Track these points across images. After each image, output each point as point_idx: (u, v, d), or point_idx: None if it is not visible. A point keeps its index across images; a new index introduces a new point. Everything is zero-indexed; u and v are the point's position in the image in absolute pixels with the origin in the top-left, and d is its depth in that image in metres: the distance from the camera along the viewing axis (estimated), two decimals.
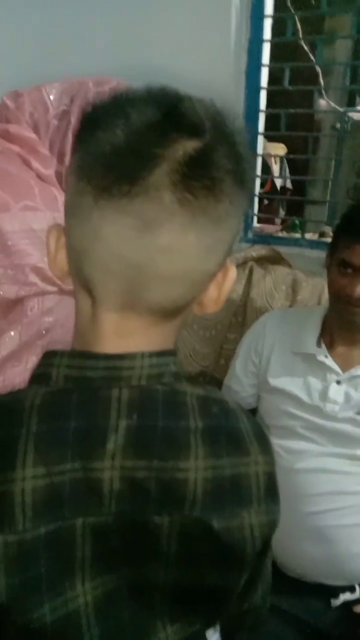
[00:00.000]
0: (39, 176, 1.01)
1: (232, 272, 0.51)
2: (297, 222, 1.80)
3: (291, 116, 1.68)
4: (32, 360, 0.91)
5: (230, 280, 0.51)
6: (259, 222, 1.85)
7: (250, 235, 1.77)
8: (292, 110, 1.67)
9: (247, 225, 1.76)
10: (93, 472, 0.44)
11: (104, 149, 0.42)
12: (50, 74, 1.48)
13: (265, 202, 2.50)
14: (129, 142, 0.41)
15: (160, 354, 0.49)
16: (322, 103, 2.47)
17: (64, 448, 0.44)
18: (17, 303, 0.91)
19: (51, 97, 1.07)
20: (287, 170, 2.99)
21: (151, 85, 0.46)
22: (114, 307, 0.46)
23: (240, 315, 1.53)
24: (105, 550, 0.45)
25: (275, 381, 1.23)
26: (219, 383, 1.39)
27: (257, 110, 1.65)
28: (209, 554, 0.47)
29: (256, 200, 1.82)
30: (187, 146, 0.42)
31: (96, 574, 0.45)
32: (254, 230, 1.79)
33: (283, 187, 2.99)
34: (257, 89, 1.62)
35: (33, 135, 1.00)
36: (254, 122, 1.65)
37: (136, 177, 0.41)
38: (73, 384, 0.46)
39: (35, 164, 0.99)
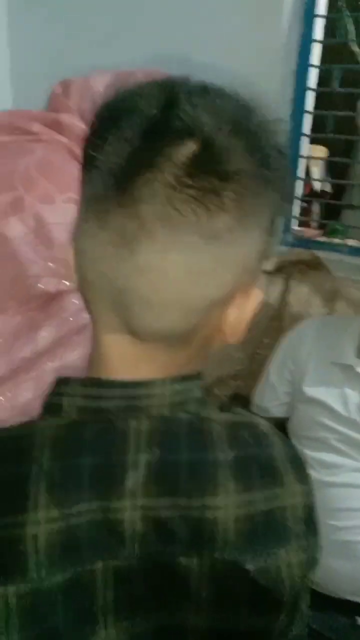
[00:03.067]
0: None
1: (256, 297, 0.45)
2: (338, 227, 1.76)
3: (333, 119, 1.64)
4: (67, 357, 0.90)
5: (251, 306, 0.45)
6: (299, 225, 1.82)
7: (289, 238, 1.74)
8: (339, 113, 1.63)
9: (287, 228, 1.73)
10: (112, 513, 0.41)
11: (94, 158, 0.39)
12: (102, 65, 1.48)
13: (304, 205, 2.45)
14: (117, 151, 0.38)
15: (183, 379, 0.44)
16: None
17: (80, 487, 0.41)
18: (56, 297, 0.90)
19: (99, 87, 1.06)
20: (328, 173, 2.93)
21: (163, 78, 0.42)
22: (112, 330, 0.43)
23: (276, 319, 1.50)
24: (129, 595, 0.41)
25: (311, 391, 1.20)
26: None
27: (303, 112, 1.61)
28: (243, 597, 0.43)
29: (296, 203, 1.79)
30: (179, 151, 0.37)
31: (120, 620, 0.41)
32: (294, 233, 1.76)
33: (323, 191, 2.93)
34: (305, 89, 1.59)
35: (83, 125, 1.00)
36: (300, 124, 1.62)
37: (117, 187, 0.38)
38: (87, 416, 0.43)
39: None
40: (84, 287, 0.44)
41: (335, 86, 1.61)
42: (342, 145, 2.56)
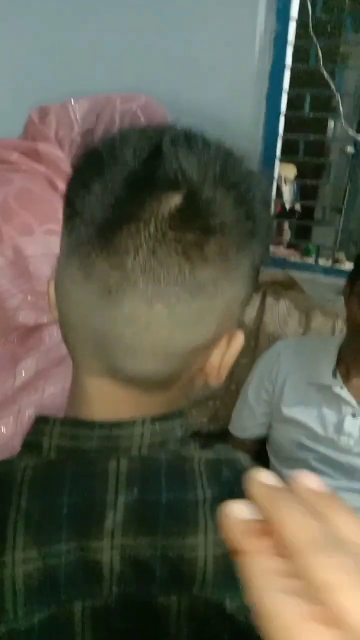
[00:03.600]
0: None
1: (238, 340, 0.45)
2: (311, 247, 1.79)
3: (303, 141, 1.68)
4: (48, 390, 0.88)
5: (234, 349, 0.45)
6: (272, 244, 1.85)
7: None
8: (311, 137, 1.67)
9: None
10: (91, 553, 0.41)
11: (78, 206, 0.39)
12: (77, 90, 1.49)
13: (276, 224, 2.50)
14: (101, 200, 0.37)
15: (163, 418, 0.44)
16: (333, 125, 2.48)
17: (58, 527, 0.40)
18: (35, 330, 0.89)
19: (77, 115, 1.05)
20: (297, 191, 2.99)
21: (138, 126, 0.41)
22: (94, 373, 0.43)
23: (253, 339, 1.52)
24: (107, 635, 0.41)
25: (289, 411, 1.22)
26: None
27: (276, 135, 1.65)
28: (223, 635, 0.42)
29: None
30: (162, 204, 0.36)
31: None
32: None
33: (292, 209, 2.99)
34: (278, 114, 1.63)
35: (61, 154, 0.99)
36: (273, 147, 1.65)
37: (101, 238, 0.37)
38: (66, 456, 0.43)
39: (61, 185, 0.97)
40: (65, 329, 0.44)
41: (306, 109, 1.65)
42: (312, 165, 2.62)
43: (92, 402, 0.44)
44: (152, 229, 0.36)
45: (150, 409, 0.44)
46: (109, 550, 0.41)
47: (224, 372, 0.46)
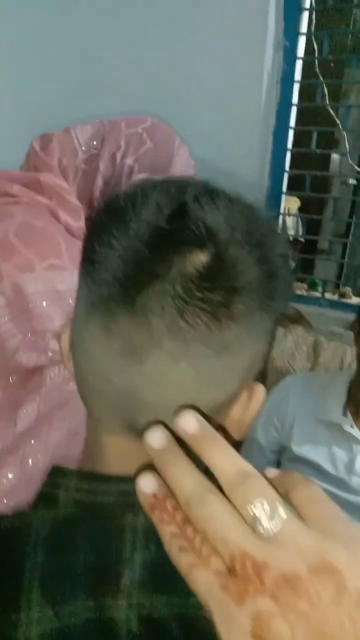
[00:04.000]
0: (68, 230, 0.96)
1: (259, 395, 0.44)
2: (317, 281, 1.79)
3: (309, 176, 1.70)
4: (53, 436, 0.85)
5: (256, 404, 0.44)
6: None
7: None
8: (318, 173, 1.69)
9: None
10: (107, 612, 0.40)
11: (100, 259, 0.38)
12: (81, 117, 1.51)
13: None
14: (124, 257, 0.36)
15: None
16: (334, 158, 2.52)
17: (74, 586, 0.39)
18: (35, 371, 0.86)
19: (80, 141, 1.02)
20: (302, 224, 3.02)
21: (164, 180, 0.41)
22: (112, 430, 0.42)
23: (260, 375, 1.50)
24: None
25: (299, 449, 1.20)
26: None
27: (282, 171, 1.66)
28: None
29: None
30: (189, 263, 0.35)
31: None
32: None
33: (295, 241, 3.01)
34: (284, 150, 1.65)
35: (65, 185, 0.96)
36: (279, 182, 1.67)
37: (125, 297, 0.36)
38: (82, 511, 0.42)
39: (64, 217, 0.95)
40: (82, 384, 0.43)
41: (313, 146, 1.67)
42: (315, 199, 2.65)
43: (109, 457, 0.43)
44: (178, 288, 0.35)
45: None
46: (125, 609, 0.40)
47: (244, 427, 0.45)
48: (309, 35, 1.61)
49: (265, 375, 1.49)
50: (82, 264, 0.41)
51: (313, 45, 1.65)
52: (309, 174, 1.69)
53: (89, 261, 0.39)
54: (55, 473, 0.44)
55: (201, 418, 0.32)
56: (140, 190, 0.40)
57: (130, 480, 0.41)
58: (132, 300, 0.36)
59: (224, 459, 0.30)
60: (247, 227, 0.37)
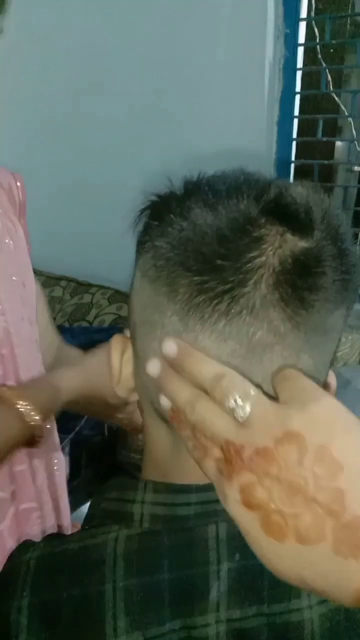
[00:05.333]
0: None
1: (333, 382, 0.42)
2: None
3: (316, 166, 1.66)
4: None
5: (333, 391, 0.42)
6: None
7: None
8: (325, 162, 1.65)
9: None
10: (197, 630, 0.38)
11: (186, 253, 0.34)
12: (83, 115, 1.47)
13: None
14: (220, 245, 0.34)
15: None
16: (338, 146, 2.47)
17: (161, 607, 0.37)
18: None
19: None
20: None
21: (239, 169, 0.38)
22: None
23: None
24: None
25: None
26: None
27: (288, 162, 1.62)
28: None
29: None
30: (295, 248, 0.34)
31: None
32: None
33: None
34: (289, 140, 1.61)
35: None
36: (286, 173, 1.63)
37: (234, 291, 0.33)
38: (162, 525, 0.39)
39: None
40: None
41: (319, 135, 1.62)
42: (322, 188, 2.60)
43: (189, 466, 0.39)
44: (293, 277, 0.34)
45: None
46: (214, 625, 0.38)
47: None
48: (308, 21, 1.56)
49: None
50: (146, 256, 0.38)
51: (314, 31, 1.61)
52: (316, 163, 1.65)
53: (159, 256, 0.36)
54: (121, 486, 0.42)
55: (180, 341, 0.34)
56: (220, 180, 0.38)
57: (209, 488, 0.38)
58: (246, 295, 0.33)
59: (202, 368, 0.33)
60: (336, 216, 0.36)
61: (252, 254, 0.33)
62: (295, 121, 1.61)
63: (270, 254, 0.33)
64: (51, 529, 0.78)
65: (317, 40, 1.61)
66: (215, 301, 0.34)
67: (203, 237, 0.34)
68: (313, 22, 1.57)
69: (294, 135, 1.62)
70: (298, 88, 1.58)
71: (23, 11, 1.61)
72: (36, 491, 0.75)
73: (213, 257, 0.33)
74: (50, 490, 0.78)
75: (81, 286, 1.88)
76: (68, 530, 0.82)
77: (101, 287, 1.84)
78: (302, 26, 1.56)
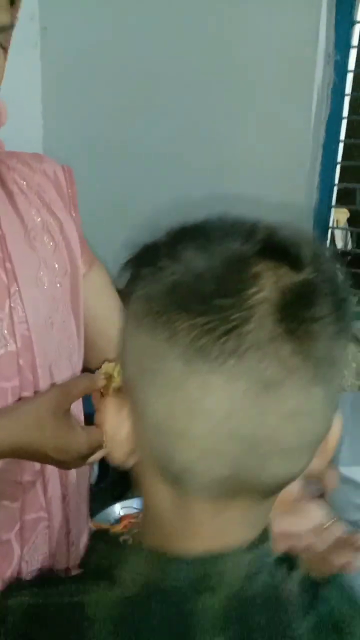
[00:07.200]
0: None
1: (338, 422, 0.42)
2: None
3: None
4: None
5: (338, 427, 0.41)
6: None
7: None
8: None
9: None
10: None
11: (183, 296, 0.34)
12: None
13: None
14: (218, 284, 0.33)
15: (257, 543, 0.40)
16: None
17: None
18: None
19: None
20: (351, 236, 2.96)
21: (227, 215, 0.39)
22: (210, 496, 0.37)
23: None
24: None
25: (347, 470, 1.17)
26: None
27: (332, 185, 1.64)
28: None
29: None
30: (292, 281, 0.34)
31: None
32: None
33: (344, 252, 2.96)
34: (334, 163, 1.62)
35: None
36: (329, 196, 1.65)
37: (240, 329, 0.32)
38: (150, 592, 0.38)
39: None
40: (184, 458, 0.36)
41: None
42: None
43: (197, 533, 0.39)
44: (296, 309, 0.33)
45: (254, 524, 0.40)
46: None
47: (329, 455, 0.43)
48: None
49: None
50: (140, 297, 0.37)
51: None
52: (359, 187, 1.66)
53: (156, 294, 0.35)
54: (110, 544, 0.42)
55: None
56: (210, 222, 0.38)
57: (204, 560, 0.38)
58: (252, 331, 0.32)
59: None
60: (325, 254, 0.37)
61: (251, 290, 0.33)
62: (341, 145, 1.63)
63: (269, 289, 0.33)
64: (60, 536, 0.77)
65: None
66: (221, 340, 0.32)
67: (199, 278, 0.33)
68: None
69: (339, 159, 1.63)
70: (345, 113, 1.60)
71: (68, 29, 1.70)
72: (46, 502, 0.73)
73: (212, 297, 0.33)
74: (63, 500, 0.76)
75: None
76: (79, 538, 0.81)
77: None
78: (353, 53, 1.58)
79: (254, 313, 0.32)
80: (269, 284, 0.33)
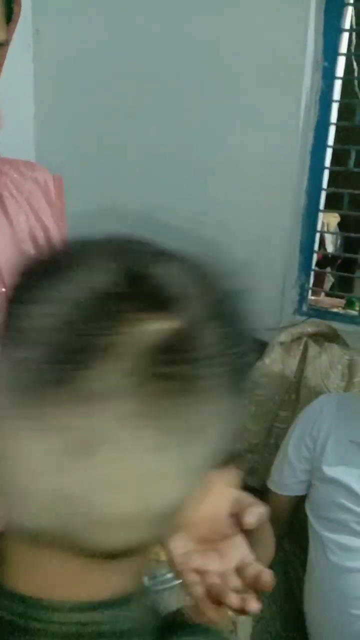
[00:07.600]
0: None
1: (227, 487, 0.40)
2: (354, 299, 1.78)
3: (347, 194, 1.70)
4: None
5: (229, 494, 0.39)
6: (313, 294, 1.84)
7: (305, 308, 1.76)
8: (356, 192, 1.68)
9: (302, 298, 1.75)
10: None
11: (29, 332, 0.31)
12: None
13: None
14: (66, 325, 0.30)
15: (94, 606, 0.35)
16: None
17: None
18: None
19: None
20: (341, 241, 2.99)
21: (113, 234, 0.35)
22: (31, 542, 0.34)
23: (294, 392, 1.50)
24: None
25: (331, 470, 1.19)
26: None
27: (319, 189, 1.66)
28: None
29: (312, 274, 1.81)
30: (152, 331, 0.29)
31: None
32: (309, 303, 1.78)
33: (333, 257, 2.99)
34: (322, 168, 1.65)
35: None
36: (317, 200, 1.67)
37: (72, 377, 0.29)
38: None
39: None
40: (7, 492, 0.34)
41: (351, 165, 1.66)
42: (355, 217, 2.62)
43: (17, 573, 0.36)
44: (145, 363, 0.29)
45: (94, 585, 0.36)
46: None
47: (221, 523, 0.41)
48: (348, 55, 1.61)
49: (298, 394, 1.49)
50: (5, 338, 0.33)
51: (352, 64, 1.66)
52: (347, 192, 1.69)
53: (13, 335, 0.32)
54: None
55: None
56: (81, 247, 0.34)
57: (35, 602, 0.35)
58: (70, 385, 0.29)
59: None
60: (208, 292, 0.32)
61: (101, 338, 0.29)
62: (329, 151, 1.65)
63: (124, 337, 0.29)
64: None
65: (356, 74, 1.66)
66: (45, 386, 0.30)
67: (46, 318, 0.30)
68: (353, 57, 1.61)
69: (327, 164, 1.66)
70: (334, 119, 1.63)
71: (61, 31, 1.72)
72: None
73: (53, 337, 0.30)
74: None
75: None
76: None
77: None
78: (342, 60, 1.61)
79: (99, 364, 0.29)
80: (129, 334, 0.29)
